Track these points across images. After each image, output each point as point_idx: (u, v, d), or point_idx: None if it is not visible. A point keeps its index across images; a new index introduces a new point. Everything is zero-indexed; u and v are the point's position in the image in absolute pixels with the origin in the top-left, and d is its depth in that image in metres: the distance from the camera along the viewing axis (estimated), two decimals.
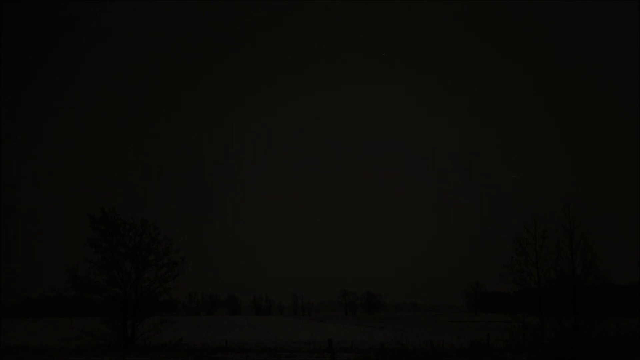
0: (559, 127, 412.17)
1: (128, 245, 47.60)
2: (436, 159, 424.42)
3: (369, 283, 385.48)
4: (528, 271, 44.24)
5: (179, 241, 48.97)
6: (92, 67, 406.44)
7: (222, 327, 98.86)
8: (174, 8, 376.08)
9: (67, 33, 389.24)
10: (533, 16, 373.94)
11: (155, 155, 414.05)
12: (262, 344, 51.54)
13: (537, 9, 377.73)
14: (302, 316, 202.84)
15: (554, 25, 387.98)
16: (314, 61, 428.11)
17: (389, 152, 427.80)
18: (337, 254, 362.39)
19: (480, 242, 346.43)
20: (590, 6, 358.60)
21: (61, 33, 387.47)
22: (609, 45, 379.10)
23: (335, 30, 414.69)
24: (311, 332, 76.25)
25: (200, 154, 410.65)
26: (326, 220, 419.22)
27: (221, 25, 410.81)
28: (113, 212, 47.42)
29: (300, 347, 47.05)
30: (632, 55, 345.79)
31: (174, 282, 48.21)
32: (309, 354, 40.30)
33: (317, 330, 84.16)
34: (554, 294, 44.21)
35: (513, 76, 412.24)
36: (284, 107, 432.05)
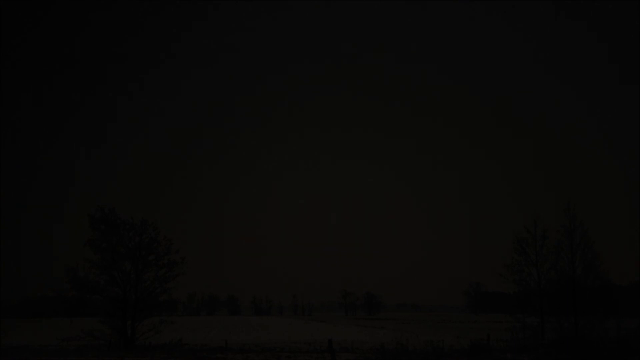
0: (558, 128, 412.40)
1: (128, 246, 47.46)
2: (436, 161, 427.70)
3: (369, 283, 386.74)
4: (528, 271, 44.27)
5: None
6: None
7: (222, 327, 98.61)
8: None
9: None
10: None
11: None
12: (262, 344, 51.46)
13: None
14: (302, 316, 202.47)
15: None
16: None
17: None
18: (338, 254, 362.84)
19: (480, 242, 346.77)
20: None
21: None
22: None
23: None
24: (311, 333, 76.11)
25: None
26: (327, 221, 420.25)
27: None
28: (113, 212, 47.31)
29: (300, 347, 46.98)
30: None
31: (174, 282, 48.15)
32: (309, 354, 40.21)
33: (317, 330, 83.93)
34: (554, 294, 44.15)
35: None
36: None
